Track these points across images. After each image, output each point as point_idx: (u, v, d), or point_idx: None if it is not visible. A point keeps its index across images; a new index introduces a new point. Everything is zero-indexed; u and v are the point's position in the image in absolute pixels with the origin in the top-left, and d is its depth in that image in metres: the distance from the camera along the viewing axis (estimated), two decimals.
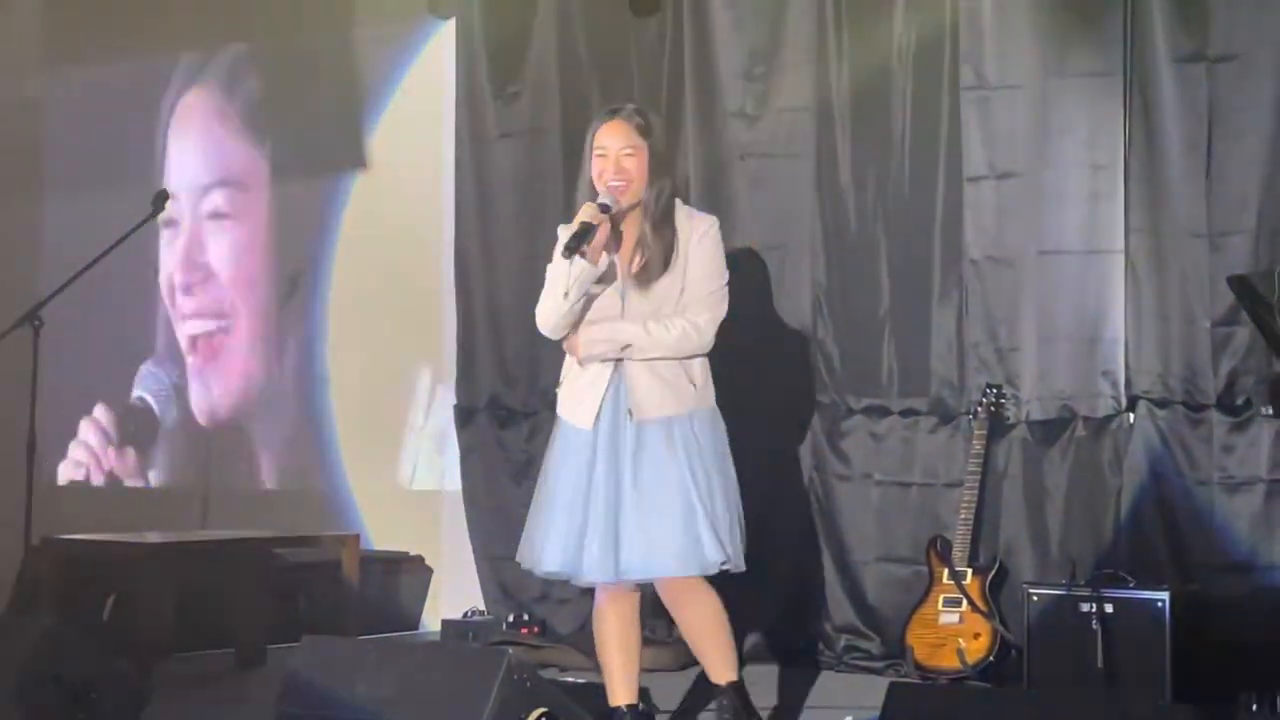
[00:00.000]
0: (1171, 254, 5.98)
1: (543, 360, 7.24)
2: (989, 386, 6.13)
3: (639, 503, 4.50)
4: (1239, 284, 5.28)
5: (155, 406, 8.75)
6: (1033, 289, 6.19)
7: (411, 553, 7.65)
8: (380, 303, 8.00)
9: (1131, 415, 6.03)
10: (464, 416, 7.44)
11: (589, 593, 7.05)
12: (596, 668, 6.22)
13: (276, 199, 8.37)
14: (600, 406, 4.56)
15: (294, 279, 8.26)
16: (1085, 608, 5.54)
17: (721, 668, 4.67)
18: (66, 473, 8.92)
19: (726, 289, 4.63)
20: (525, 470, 7.25)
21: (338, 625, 6.44)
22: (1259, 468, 5.80)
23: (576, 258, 4.48)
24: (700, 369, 4.61)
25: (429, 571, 7.64)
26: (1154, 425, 5.97)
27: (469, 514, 7.39)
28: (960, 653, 5.84)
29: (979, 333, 6.26)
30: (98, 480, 8.83)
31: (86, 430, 8.88)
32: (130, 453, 8.81)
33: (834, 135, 6.58)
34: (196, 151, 8.75)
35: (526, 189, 7.33)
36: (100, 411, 8.86)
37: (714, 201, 6.59)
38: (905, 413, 6.43)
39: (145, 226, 6.86)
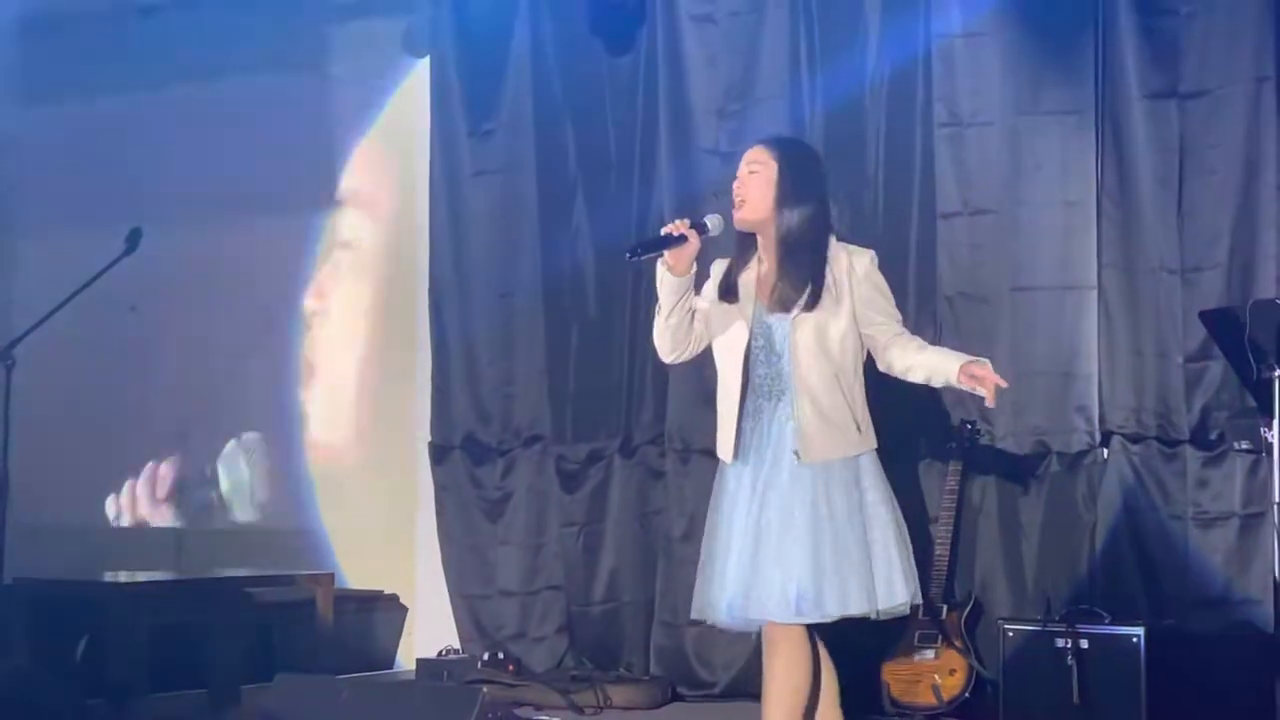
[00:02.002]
0: (1144, 289, 6.01)
1: (517, 398, 7.23)
2: (964, 422, 6.13)
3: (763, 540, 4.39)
4: (1213, 318, 5.31)
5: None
6: (1007, 325, 6.21)
7: (386, 591, 7.61)
8: (354, 340, 7.98)
9: (1105, 450, 6.04)
10: (438, 454, 7.41)
11: (563, 630, 7.08)
12: (571, 706, 6.26)
13: (249, 238, 8.34)
14: (737, 438, 4.48)
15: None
16: (1060, 643, 5.55)
17: None
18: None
19: None
20: (500, 508, 7.24)
21: (312, 664, 6.40)
22: (1233, 502, 5.82)
23: (660, 268, 4.48)
24: (863, 409, 4.53)
25: (404, 610, 7.60)
26: (1128, 460, 5.99)
27: (444, 552, 7.35)
28: (936, 689, 5.83)
29: None
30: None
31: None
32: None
33: None
34: None
35: (501, 227, 7.33)
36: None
37: None
38: (880, 449, 6.41)
39: (119, 265, 6.82)
